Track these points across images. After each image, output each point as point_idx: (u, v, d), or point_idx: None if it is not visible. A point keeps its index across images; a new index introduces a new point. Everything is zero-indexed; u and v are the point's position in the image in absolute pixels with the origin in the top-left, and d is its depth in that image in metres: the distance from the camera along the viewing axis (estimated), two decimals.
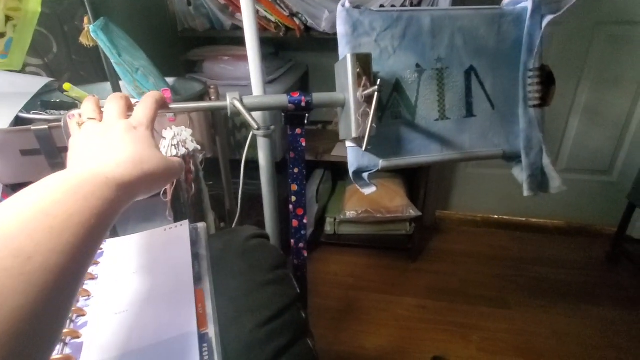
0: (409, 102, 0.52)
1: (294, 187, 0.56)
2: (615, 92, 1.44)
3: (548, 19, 0.52)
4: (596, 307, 1.28)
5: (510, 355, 1.11)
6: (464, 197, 1.78)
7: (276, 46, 1.47)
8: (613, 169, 1.60)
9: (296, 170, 0.55)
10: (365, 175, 0.52)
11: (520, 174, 0.56)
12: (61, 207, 0.25)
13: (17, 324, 0.19)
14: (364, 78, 0.45)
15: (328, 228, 1.51)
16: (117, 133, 0.33)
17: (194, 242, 0.47)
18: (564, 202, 1.63)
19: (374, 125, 0.46)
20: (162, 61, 0.83)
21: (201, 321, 0.36)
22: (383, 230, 1.49)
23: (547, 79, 0.54)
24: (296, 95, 0.48)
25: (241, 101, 0.45)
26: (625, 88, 1.45)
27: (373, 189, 0.52)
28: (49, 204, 0.24)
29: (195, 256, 0.44)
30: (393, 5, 1.13)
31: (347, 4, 0.49)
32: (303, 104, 0.48)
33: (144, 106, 0.37)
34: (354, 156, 0.51)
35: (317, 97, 0.48)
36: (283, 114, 0.51)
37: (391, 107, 0.51)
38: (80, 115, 0.37)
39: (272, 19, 1.18)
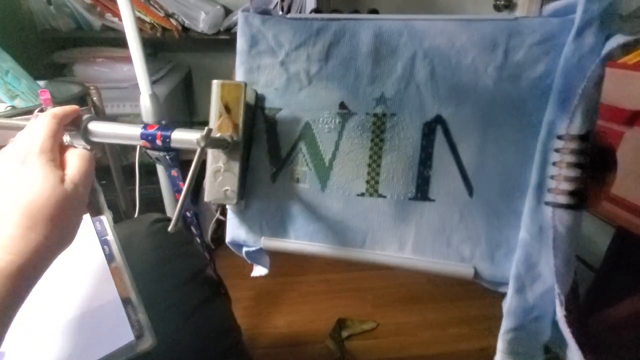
0: (320, 160, 0.35)
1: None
2: None
3: (615, 42, 0.26)
4: None
5: (396, 305, 1.34)
6: None
7: (154, 47, 1.44)
8: None
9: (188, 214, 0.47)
10: (244, 251, 0.39)
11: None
12: None
13: None
14: (227, 119, 0.32)
15: None
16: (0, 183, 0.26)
17: (100, 232, 0.49)
18: None
19: (233, 191, 0.33)
20: (22, 64, 0.77)
21: (121, 289, 0.40)
22: None
23: (597, 159, 0.29)
24: (152, 129, 0.33)
25: (84, 129, 0.34)
26: None
27: (264, 271, 0.42)
28: None
29: (104, 242, 0.47)
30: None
31: (251, 9, 0.35)
32: (158, 141, 0.33)
33: (35, 124, 0.29)
34: (229, 222, 0.38)
35: (177, 136, 0.33)
36: (145, 150, 0.37)
37: (292, 163, 0.36)
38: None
39: (147, 19, 1.17)
